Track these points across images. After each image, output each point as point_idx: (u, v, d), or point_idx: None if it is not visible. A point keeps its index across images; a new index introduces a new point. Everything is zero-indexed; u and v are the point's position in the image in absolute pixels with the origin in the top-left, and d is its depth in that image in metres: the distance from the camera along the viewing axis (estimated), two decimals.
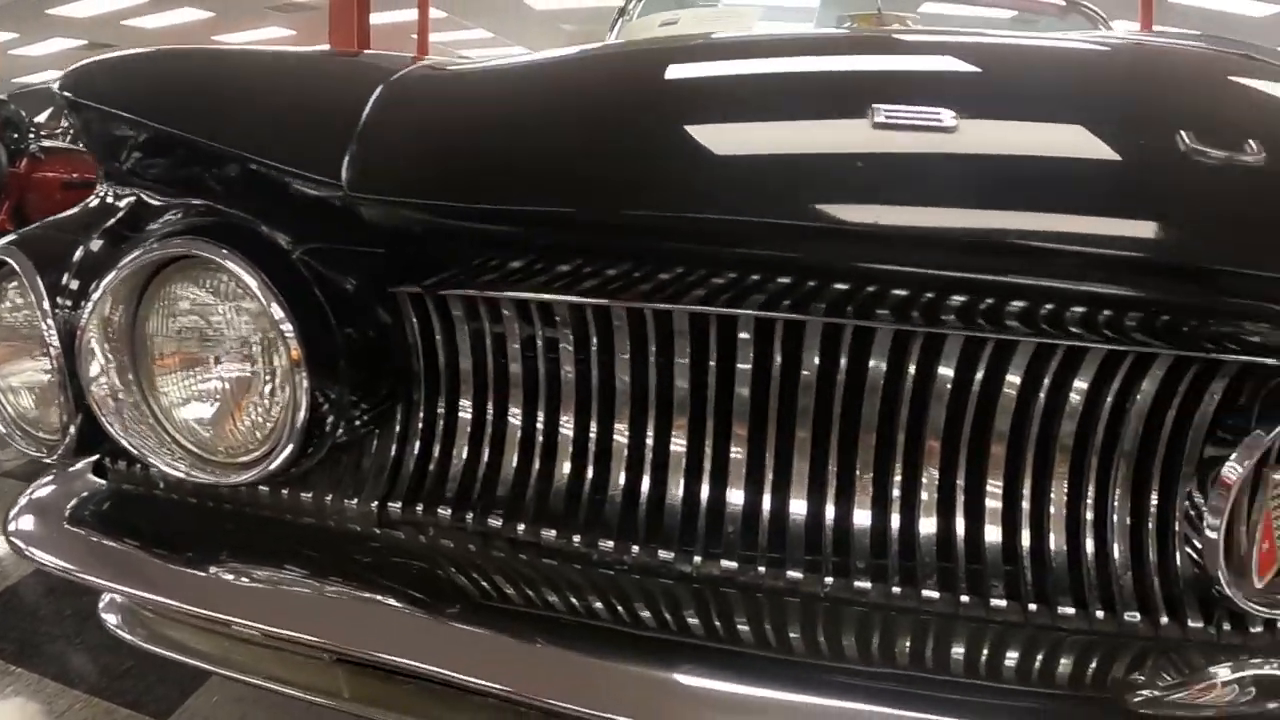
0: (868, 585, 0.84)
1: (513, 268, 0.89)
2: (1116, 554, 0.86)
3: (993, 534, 0.86)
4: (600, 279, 0.86)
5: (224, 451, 0.93)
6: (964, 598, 0.84)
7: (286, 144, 0.91)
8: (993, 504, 0.86)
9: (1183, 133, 0.72)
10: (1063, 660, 0.83)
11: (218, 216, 0.95)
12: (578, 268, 0.87)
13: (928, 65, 0.98)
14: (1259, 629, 0.86)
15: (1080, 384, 0.83)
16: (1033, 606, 0.84)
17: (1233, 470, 0.79)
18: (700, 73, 1.00)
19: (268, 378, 0.90)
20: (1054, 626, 0.84)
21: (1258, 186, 0.73)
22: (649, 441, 0.90)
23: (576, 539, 0.88)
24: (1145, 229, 0.75)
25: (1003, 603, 0.84)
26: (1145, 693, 0.80)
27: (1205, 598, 0.85)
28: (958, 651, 0.83)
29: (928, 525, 0.86)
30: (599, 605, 0.85)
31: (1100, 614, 0.84)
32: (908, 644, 0.83)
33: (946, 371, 0.84)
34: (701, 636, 0.84)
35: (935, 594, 0.84)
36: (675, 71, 0.99)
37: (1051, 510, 0.86)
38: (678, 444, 0.89)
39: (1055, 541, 0.86)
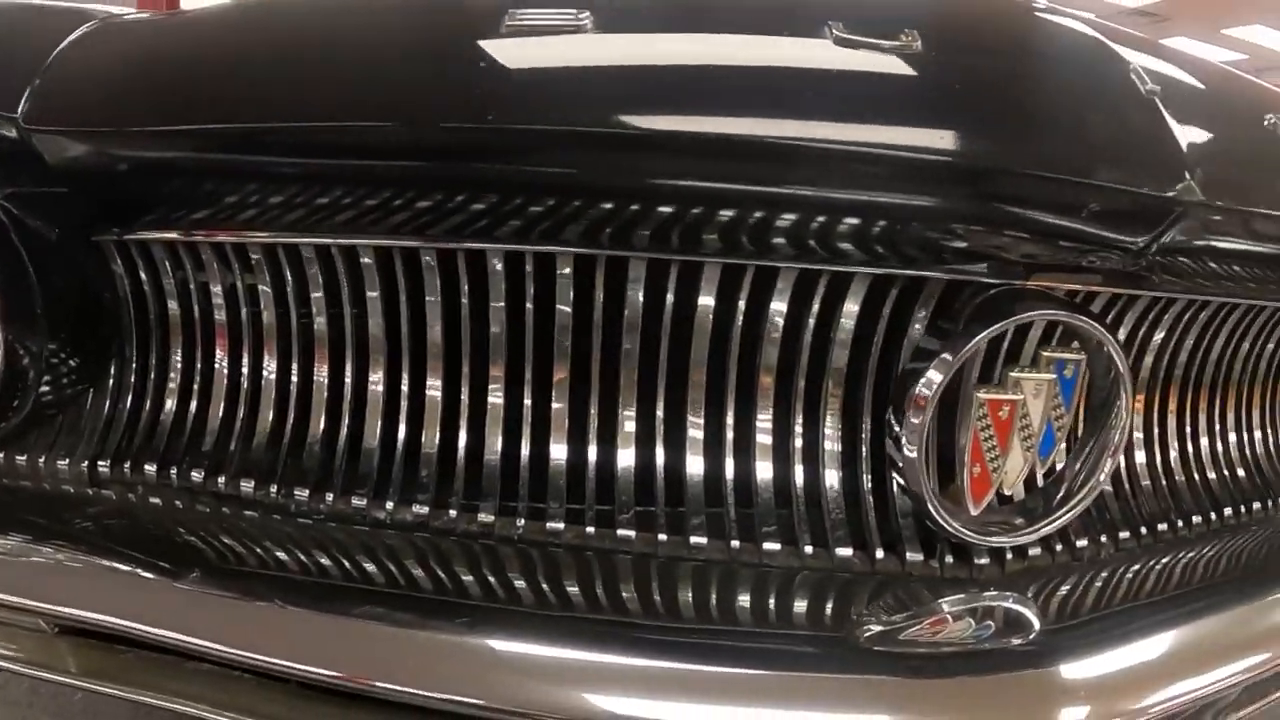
0: (561, 526, 0.79)
1: (208, 211, 0.85)
2: (828, 486, 0.80)
3: (695, 468, 0.80)
4: (301, 212, 0.81)
5: None
6: (662, 536, 0.79)
7: None
8: (696, 436, 0.80)
9: (831, 25, 0.67)
10: (786, 599, 0.78)
11: None
12: (281, 204, 0.83)
13: None
14: (985, 560, 0.81)
15: (779, 306, 0.78)
16: (736, 544, 0.78)
17: (925, 390, 0.73)
18: None
19: None
20: (761, 564, 0.79)
21: (919, 77, 0.67)
22: (347, 384, 0.85)
23: (273, 490, 0.84)
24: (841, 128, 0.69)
25: (704, 540, 0.78)
26: (875, 628, 0.74)
27: (929, 531, 0.80)
28: (681, 595, 0.78)
29: (626, 460, 0.80)
30: (310, 560, 0.81)
31: (810, 550, 0.79)
32: (629, 587, 0.78)
33: (637, 297, 0.78)
34: (427, 590, 0.79)
35: (632, 533, 0.79)
36: None
37: (759, 441, 0.80)
38: (375, 386, 0.84)
39: (762, 474, 0.80)
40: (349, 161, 0.77)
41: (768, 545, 0.78)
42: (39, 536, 0.86)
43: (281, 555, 0.81)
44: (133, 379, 0.91)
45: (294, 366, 0.86)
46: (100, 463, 0.90)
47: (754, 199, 0.71)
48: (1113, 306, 0.84)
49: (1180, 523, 0.90)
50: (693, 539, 0.78)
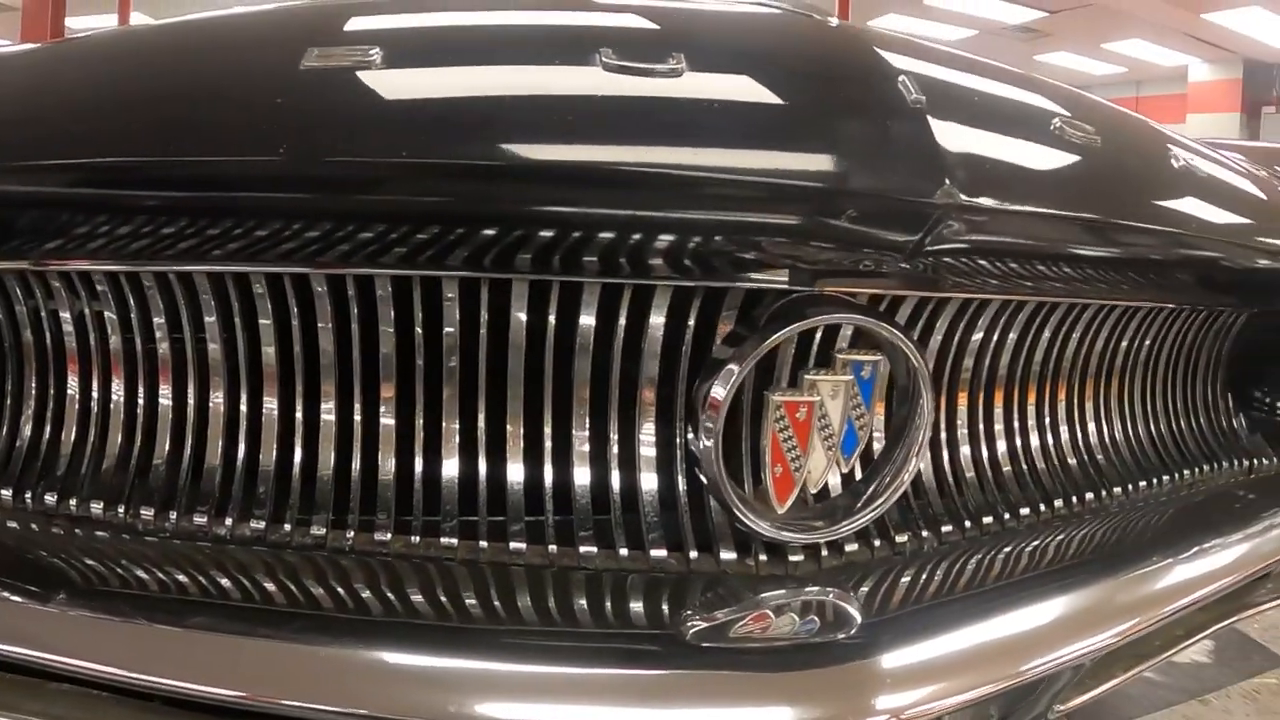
0: (388, 537, 0.81)
1: (59, 242, 0.87)
2: (645, 490, 0.83)
3: (516, 476, 0.83)
4: (145, 241, 0.83)
5: None
6: (484, 543, 0.81)
7: None
8: (516, 446, 0.83)
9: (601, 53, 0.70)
10: (612, 600, 0.81)
11: None
12: (127, 235, 0.85)
13: None
14: (799, 558, 0.83)
15: (588, 320, 0.80)
16: (554, 548, 0.81)
17: (717, 395, 0.76)
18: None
19: None
20: (580, 567, 0.81)
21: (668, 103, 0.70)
22: (190, 406, 0.87)
23: (122, 510, 0.86)
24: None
25: (523, 545, 0.81)
26: (702, 625, 0.77)
27: (743, 532, 0.82)
28: (518, 600, 0.80)
29: (450, 471, 0.83)
30: (166, 577, 0.82)
31: (625, 552, 0.81)
32: (465, 593, 0.80)
33: (454, 314, 0.81)
34: (279, 603, 0.81)
35: (455, 541, 0.81)
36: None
37: (578, 449, 0.83)
38: (215, 406, 0.87)
39: (580, 480, 0.83)
40: (197, 195, 0.79)
41: (585, 549, 0.81)
42: None
43: (141, 574, 0.83)
44: None
45: (140, 390, 0.89)
46: None
47: (556, 221, 0.73)
48: (924, 309, 0.86)
49: (1008, 515, 0.92)
50: (513, 545, 0.81)
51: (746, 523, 0.78)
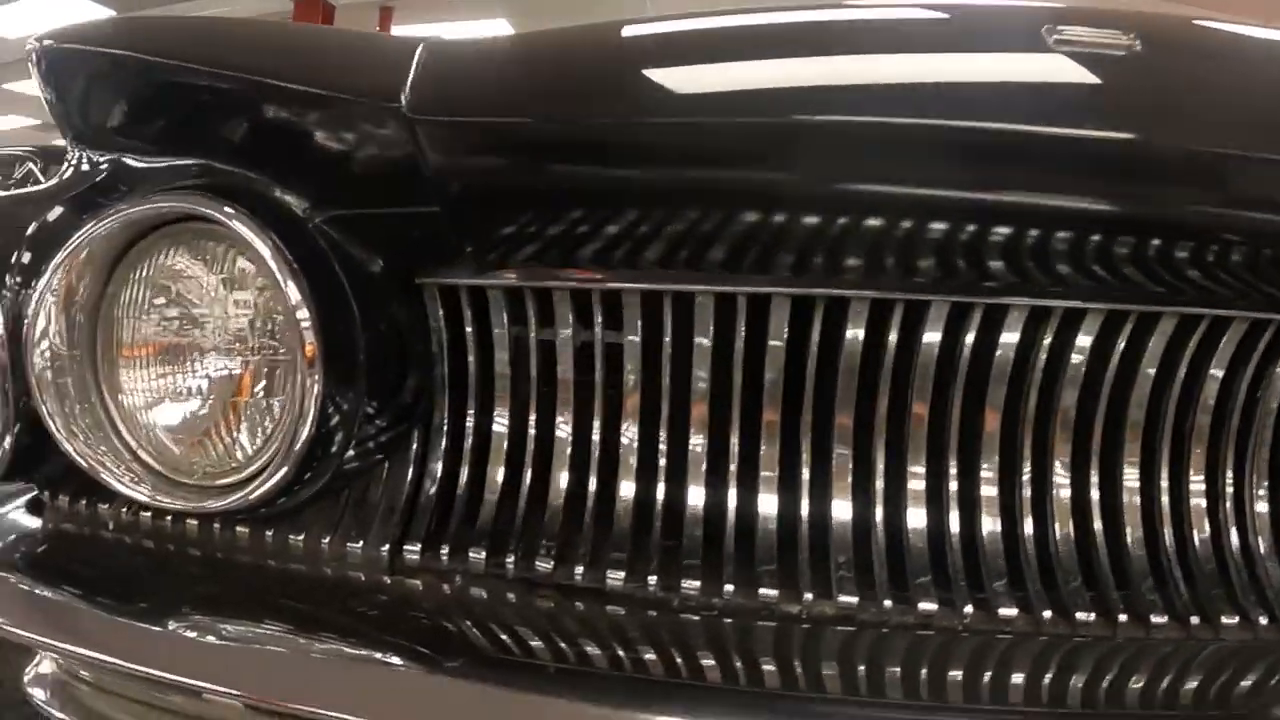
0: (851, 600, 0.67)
1: (568, 248, 0.71)
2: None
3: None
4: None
5: (199, 471, 0.70)
6: (1046, 613, 0.69)
7: (344, 69, 0.71)
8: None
9: None
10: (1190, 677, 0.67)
11: (218, 176, 0.72)
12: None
13: None
14: None
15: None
16: (1123, 617, 0.70)
17: None
18: None
19: (267, 377, 0.67)
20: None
21: None
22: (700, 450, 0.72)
23: (652, 581, 0.69)
24: None
25: (1091, 616, 0.69)
26: None
27: None
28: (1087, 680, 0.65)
29: (952, 525, 0.71)
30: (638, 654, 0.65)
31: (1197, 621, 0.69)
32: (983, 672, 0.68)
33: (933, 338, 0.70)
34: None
35: (1014, 613, 0.68)
36: None
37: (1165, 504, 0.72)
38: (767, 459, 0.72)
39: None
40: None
41: (1081, 615, 0.68)
42: (312, 627, 0.69)
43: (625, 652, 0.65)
44: (443, 449, 0.75)
45: (655, 433, 0.73)
46: (407, 546, 0.72)
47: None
48: None
49: None
50: (1078, 615, 0.69)
51: None
